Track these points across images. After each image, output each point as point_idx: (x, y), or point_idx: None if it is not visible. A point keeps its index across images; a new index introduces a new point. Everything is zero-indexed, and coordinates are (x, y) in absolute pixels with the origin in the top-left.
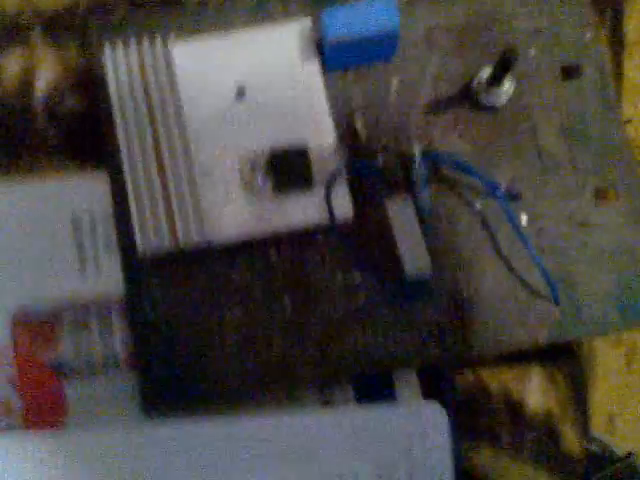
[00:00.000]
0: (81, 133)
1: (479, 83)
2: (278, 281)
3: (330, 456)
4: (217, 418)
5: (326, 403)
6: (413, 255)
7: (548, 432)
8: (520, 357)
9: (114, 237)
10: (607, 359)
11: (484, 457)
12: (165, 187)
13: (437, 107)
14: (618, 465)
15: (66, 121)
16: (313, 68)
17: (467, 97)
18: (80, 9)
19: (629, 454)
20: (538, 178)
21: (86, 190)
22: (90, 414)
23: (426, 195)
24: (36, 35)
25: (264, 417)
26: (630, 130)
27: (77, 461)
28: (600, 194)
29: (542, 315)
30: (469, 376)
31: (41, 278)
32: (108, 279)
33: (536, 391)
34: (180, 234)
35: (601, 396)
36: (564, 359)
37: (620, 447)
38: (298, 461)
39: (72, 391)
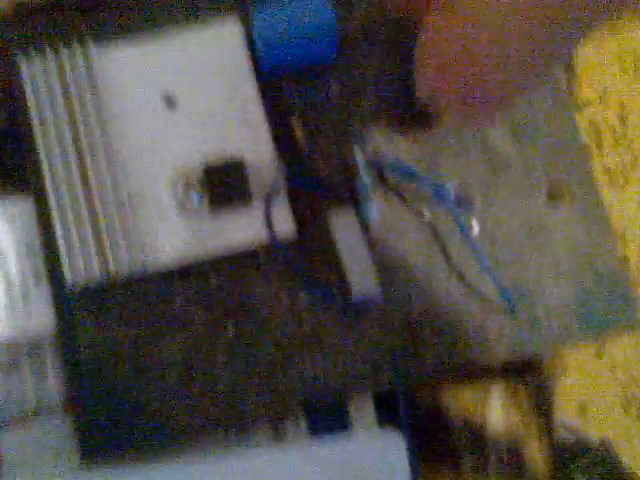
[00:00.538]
0: (3, 153)
1: None
2: (220, 307)
3: None
4: (163, 464)
5: (279, 438)
6: (359, 274)
7: (512, 450)
8: (480, 375)
9: (43, 269)
10: (577, 348)
11: None
12: (93, 211)
13: (380, 108)
14: (592, 454)
15: None
16: (245, 72)
17: (410, 96)
18: None
19: (603, 442)
20: (488, 180)
21: (11, 217)
22: (26, 463)
23: (371, 206)
24: None
25: (212, 461)
26: (589, 114)
27: None
28: (553, 194)
29: (499, 329)
30: (428, 398)
31: None
32: (39, 315)
33: (498, 409)
34: (111, 262)
35: (572, 385)
36: (526, 371)
37: (592, 435)
38: None
39: (6, 439)
